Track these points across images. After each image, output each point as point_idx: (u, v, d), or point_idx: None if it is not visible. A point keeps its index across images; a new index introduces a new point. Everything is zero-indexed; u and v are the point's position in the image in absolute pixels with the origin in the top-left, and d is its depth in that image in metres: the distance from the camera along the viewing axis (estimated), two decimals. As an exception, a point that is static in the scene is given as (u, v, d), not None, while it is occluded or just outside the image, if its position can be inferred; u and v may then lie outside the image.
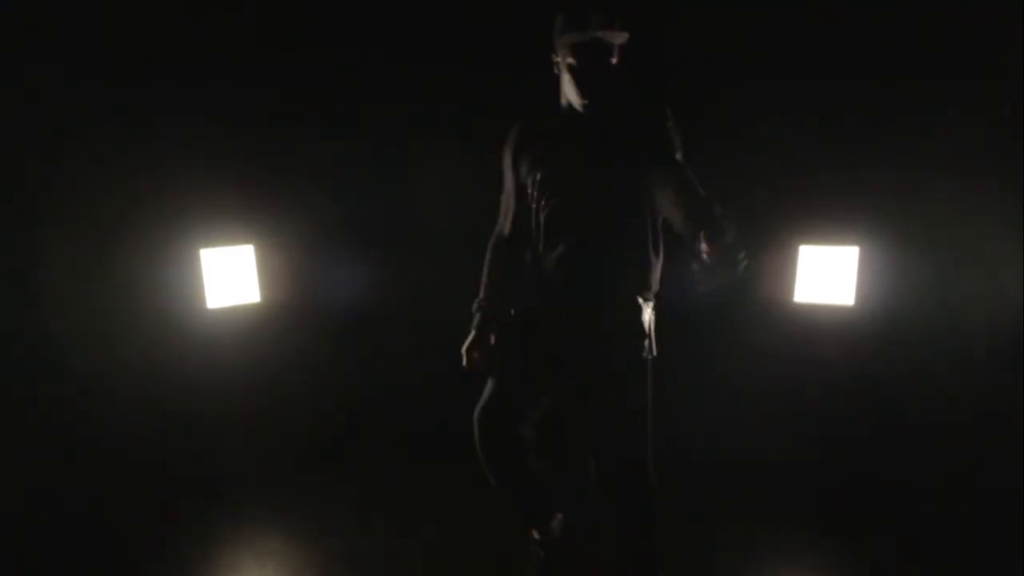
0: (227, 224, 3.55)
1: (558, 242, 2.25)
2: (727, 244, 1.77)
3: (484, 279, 2.47)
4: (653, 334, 2.28)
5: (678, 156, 2.12)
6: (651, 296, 2.28)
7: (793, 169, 3.42)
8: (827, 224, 3.42)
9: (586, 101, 2.16)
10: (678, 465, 3.46)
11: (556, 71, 2.23)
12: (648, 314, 2.27)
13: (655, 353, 2.28)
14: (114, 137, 3.24)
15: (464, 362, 2.39)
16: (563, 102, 2.25)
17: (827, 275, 3.42)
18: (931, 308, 3.29)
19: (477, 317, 2.42)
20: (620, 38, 2.13)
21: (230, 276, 3.57)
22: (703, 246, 1.78)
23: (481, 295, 2.45)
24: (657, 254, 2.27)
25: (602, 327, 2.24)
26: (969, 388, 3.24)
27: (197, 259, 3.47)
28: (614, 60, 2.15)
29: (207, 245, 3.49)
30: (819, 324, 3.45)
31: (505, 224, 2.45)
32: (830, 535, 2.98)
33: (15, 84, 3.09)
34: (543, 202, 2.25)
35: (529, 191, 2.30)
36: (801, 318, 3.49)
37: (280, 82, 3.57)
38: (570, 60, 2.14)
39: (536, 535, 2.58)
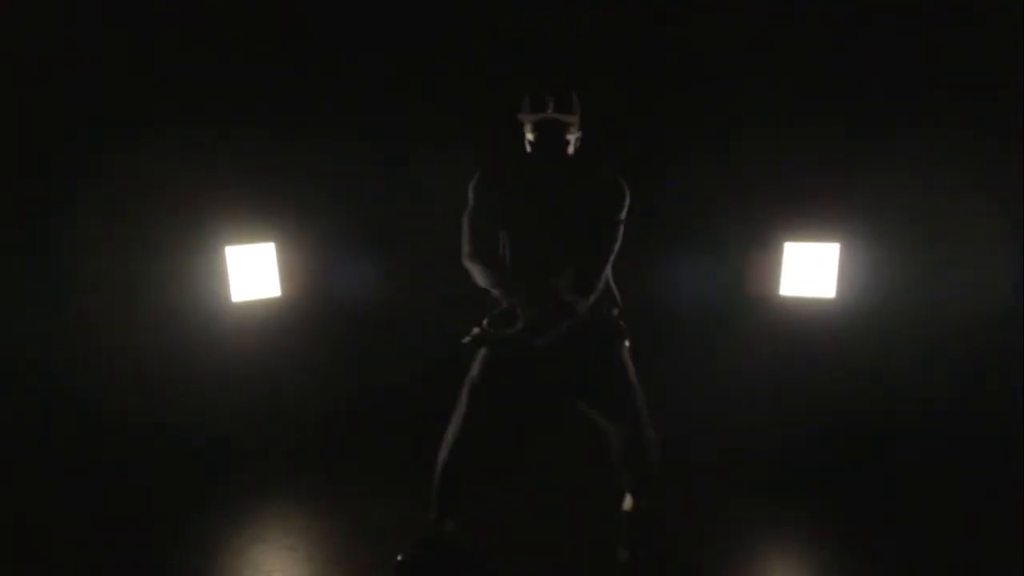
0: (250, 223, 3.71)
1: (531, 285, 2.48)
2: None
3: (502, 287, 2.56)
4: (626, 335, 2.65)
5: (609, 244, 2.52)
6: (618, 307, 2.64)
7: (780, 172, 3.58)
8: (810, 222, 3.59)
9: (544, 171, 2.52)
10: (668, 456, 3.60)
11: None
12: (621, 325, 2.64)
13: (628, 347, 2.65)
14: (149, 144, 3.41)
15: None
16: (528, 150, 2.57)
17: (810, 270, 3.59)
18: (906, 300, 3.48)
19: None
20: (572, 119, 2.49)
21: (253, 272, 3.72)
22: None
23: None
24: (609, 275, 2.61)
25: (589, 346, 2.56)
26: (943, 374, 3.43)
27: (223, 256, 3.64)
28: (570, 136, 2.50)
29: (232, 243, 3.66)
30: (803, 315, 3.63)
31: (476, 244, 2.59)
32: (807, 521, 3.02)
33: (52, 89, 3.26)
34: (516, 247, 2.54)
35: (500, 238, 2.56)
36: (786, 310, 3.66)
37: (302, 84, 3.70)
38: (529, 137, 2.51)
39: (432, 520, 2.64)
